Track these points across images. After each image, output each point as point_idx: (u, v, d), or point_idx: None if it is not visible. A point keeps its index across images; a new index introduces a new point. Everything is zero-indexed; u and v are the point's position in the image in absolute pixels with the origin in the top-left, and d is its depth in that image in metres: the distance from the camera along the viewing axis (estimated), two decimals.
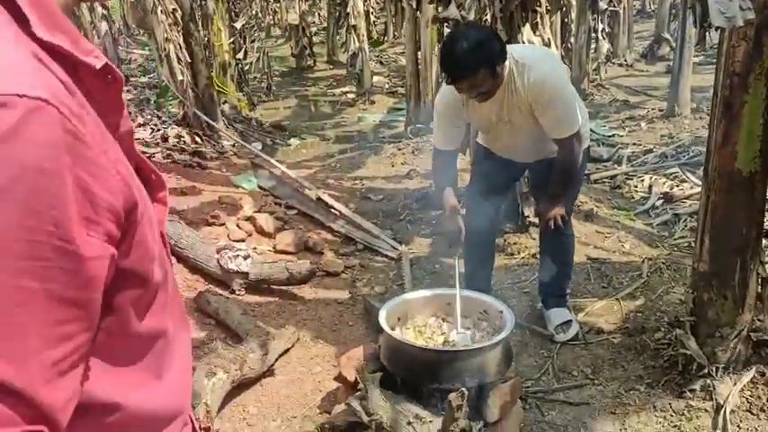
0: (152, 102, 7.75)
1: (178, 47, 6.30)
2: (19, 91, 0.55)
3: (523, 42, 3.76)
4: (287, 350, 2.98)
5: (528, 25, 3.92)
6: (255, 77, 10.11)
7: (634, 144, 6.33)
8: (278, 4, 15.97)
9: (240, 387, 2.70)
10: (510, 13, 3.84)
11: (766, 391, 2.54)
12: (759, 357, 2.63)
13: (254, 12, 10.91)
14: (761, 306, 2.62)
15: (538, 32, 4.01)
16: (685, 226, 4.26)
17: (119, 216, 0.63)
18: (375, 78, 10.13)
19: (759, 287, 2.59)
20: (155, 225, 0.73)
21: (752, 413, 2.48)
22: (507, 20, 3.84)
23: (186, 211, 4.36)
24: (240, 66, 8.60)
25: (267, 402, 2.70)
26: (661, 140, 6.43)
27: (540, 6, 4.01)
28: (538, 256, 3.62)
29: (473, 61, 2.43)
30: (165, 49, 6.20)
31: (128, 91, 10.20)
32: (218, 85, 7.13)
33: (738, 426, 2.44)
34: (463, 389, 1.89)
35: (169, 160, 5.57)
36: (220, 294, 3.35)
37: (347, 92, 9.88)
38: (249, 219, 4.33)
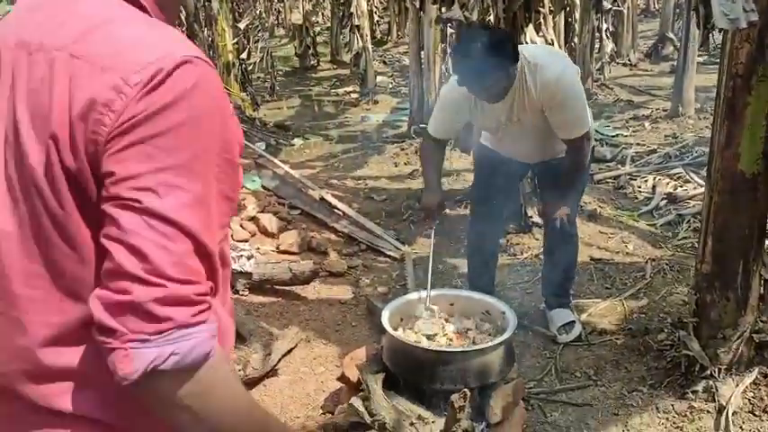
0: None
1: None
2: (195, 54, 0.81)
3: (526, 43, 3.76)
4: (290, 350, 2.98)
5: (531, 26, 3.93)
6: (259, 77, 10.11)
7: (638, 144, 6.33)
8: (282, 5, 15.97)
9: None
10: (513, 13, 3.83)
11: None
12: (761, 359, 2.63)
13: (257, 12, 10.89)
14: (763, 307, 2.62)
15: (541, 33, 4.01)
16: (689, 227, 4.25)
17: (242, 148, 0.90)
18: (378, 78, 10.13)
19: (762, 289, 2.59)
20: None
21: (754, 415, 2.48)
22: (510, 20, 3.84)
23: None
24: (244, 66, 8.59)
25: (270, 402, 2.71)
26: (665, 140, 6.42)
27: (543, 7, 4.01)
28: (541, 256, 3.63)
29: (487, 64, 2.41)
30: None
31: None
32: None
33: (741, 427, 2.44)
34: (466, 390, 1.90)
35: None
36: None
37: (350, 92, 9.88)
38: (252, 219, 4.34)
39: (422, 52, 6.54)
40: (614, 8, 9.48)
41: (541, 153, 2.92)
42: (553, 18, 4.20)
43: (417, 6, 6.07)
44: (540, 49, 3.27)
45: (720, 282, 2.55)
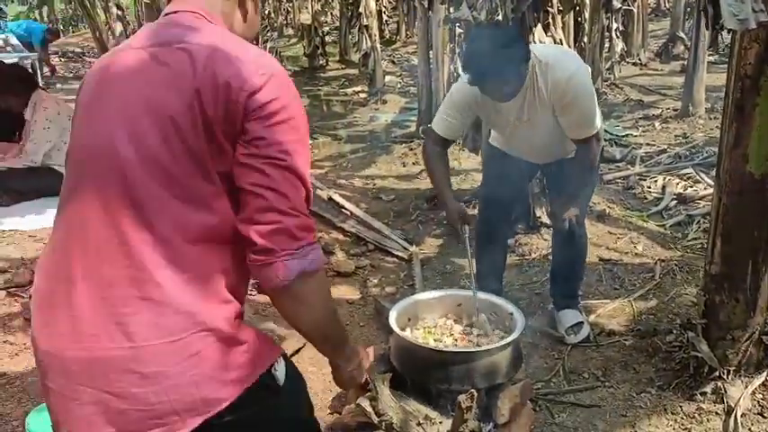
0: None
1: None
2: (278, 67, 1.22)
3: (535, 42, 3.75)
4: (298, 350, 2.99)
5: (540, 25, 3.92)
6: None
7: (648, 144, 6.30)
8: (290, 4, 16.01)
9: None
10: (522, 13, 3.83)
11: None
12: None
13: (266, 12, 10.93)
14: None
15: (549, 33, 4.00)
16: (699, 227, 4.23)
17: None
18: (387, 78, 10.14)
19: None
20: None
21: (763, 416, 2.47)
22: (519, 20, 3.83)
23: None
24: None
25: None
26: (675, 141, 6.39)
27: (551, 6, 4.00)
28: (549, 256, 3.62)
29: (498, 64, 2.39)
30: None
31: None
32: None
33: (749, 429, 2.43)
34: (473, 390, 1.90)
35: None
36: None
37: (359, 91, 9.90)
38: None
39: (430, 52, 6.54)
40: (624, 7, 9.44)
41: (551, 153, 2.92)
42: (562, 17, 4.18)
43: (426, 6, 6.07)
44: (551, 49, 3.26)
45: (729, 283, 2.54)
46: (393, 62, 12.53)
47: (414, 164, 6.04)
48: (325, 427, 2.48)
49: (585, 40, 7.94)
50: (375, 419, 2.03)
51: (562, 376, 2.84)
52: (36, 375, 2.75)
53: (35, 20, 18.50)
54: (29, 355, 2.93)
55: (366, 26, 9.28)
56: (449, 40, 6.15)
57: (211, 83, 1.13)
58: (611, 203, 4.71)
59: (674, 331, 2.91)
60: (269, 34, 10.44)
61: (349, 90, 10.17)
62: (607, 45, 8.54)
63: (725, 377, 2.54)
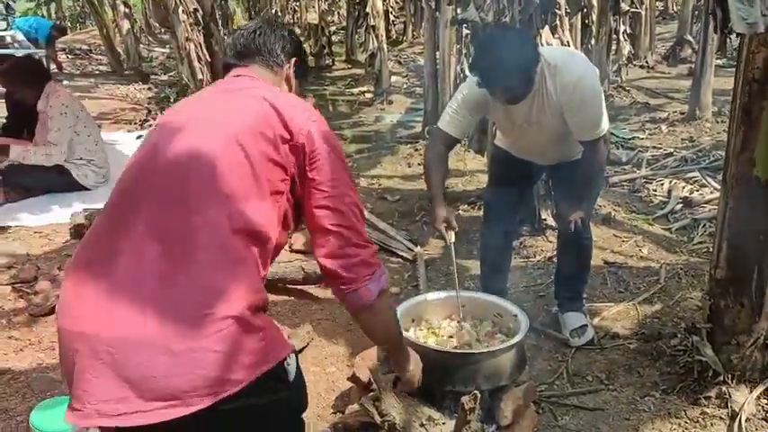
0: (172, 100, 7.83)
1: (198, 46, 6.34)
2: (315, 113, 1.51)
3: (542, 45, 3.74)
4: (301, 349, 3.00)
5: (547, 27, 3.91)
6: None
7: (654, 147, 6.28)
8: (297, 4, 16.03)
9: None
10: (529, 15, 3.82)
11: None
12: None
13: (273, 11, 10.95)
14: None
15: (557, 35, 4.00)
16: (704, 231, 4.22)
17: None
18: (393, 78, 10.14)
19: None
20: None
21: (767, 421, 2.46)
22: (526, 22, 3.83)
23: None
24: None
25: None
26: (682, 144, 6.38)
27: (559, 9, 4.00)
28: (554, 259, 3.61)
29: (508, 67, 2.38)
30: (185, 49, 6.24)
31: (149, 89, 10.33)
32: None
33: None
34: (476, 392, 1.90)
35: None
36: None
37: (365, 91, 9.90)
38: None
39: (437, 53, 6.54)
40: (632, 10, 9.42)
41: (557, 155, 2.91)
42: (570, 19, 4.18)
43: (433, 7, 6.07)
44: (560, 51, 3.25)
45: (735, 287, 2.53)
46: (399, 62, 12.52)
47: (419, 164, 6.03)
48: (328, 426, 2.48)
49: (593, 42, 7.92)
50: (378, 420, 2.03)
51: (566, 379, 2.83)
52: (40, 371, 2.76)
53: (42, 16, 18.57)
54: (33, 350, 2.94)
55: (373, 26, 9.27)
56: (456, 41, 6.14)
57: (279, 119, 1.40)
58: (617, 206, 4.70)
59: (679, 335, 2.90)
60: None
61: (355, 90, 10.18)
62: (614, 48, 8.52)
63: (729, 382, 2.54)
